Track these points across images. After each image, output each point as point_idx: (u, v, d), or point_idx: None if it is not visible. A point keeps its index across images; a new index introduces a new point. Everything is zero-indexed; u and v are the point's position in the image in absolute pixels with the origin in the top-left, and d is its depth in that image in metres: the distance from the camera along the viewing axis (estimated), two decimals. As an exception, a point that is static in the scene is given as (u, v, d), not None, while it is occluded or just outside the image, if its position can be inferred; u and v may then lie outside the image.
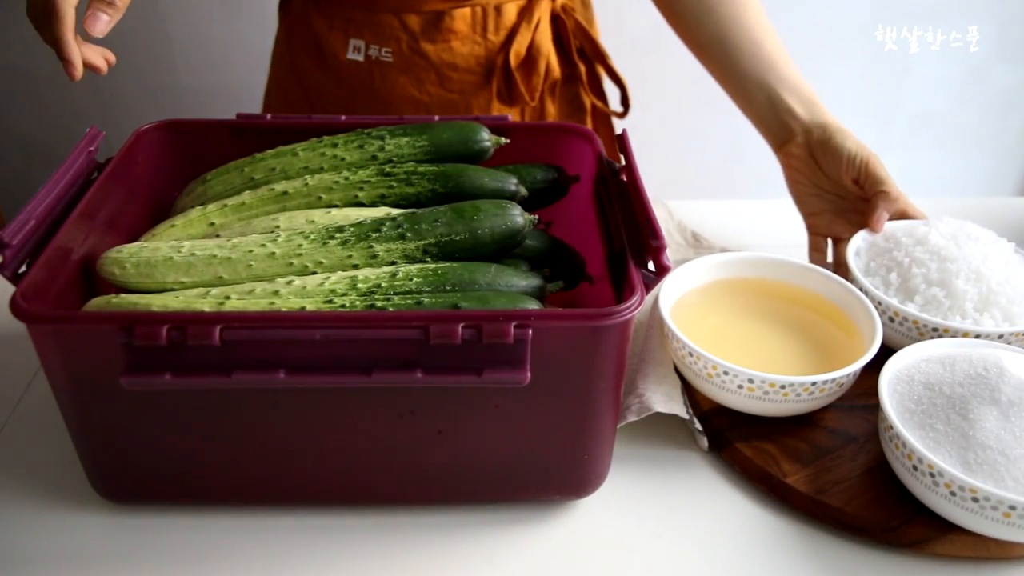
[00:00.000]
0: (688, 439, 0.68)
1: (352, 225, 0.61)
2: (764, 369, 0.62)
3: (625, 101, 1.00)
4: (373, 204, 0.66)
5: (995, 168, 2.04)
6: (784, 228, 0.97)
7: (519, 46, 0.94)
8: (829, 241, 0.84)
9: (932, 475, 0.55)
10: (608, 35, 1.01)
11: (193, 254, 0.59)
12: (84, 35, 0.65)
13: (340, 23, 0.94)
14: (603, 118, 1.06)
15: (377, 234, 0.60)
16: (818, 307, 0.73)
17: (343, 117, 0.73)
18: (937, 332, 0.69)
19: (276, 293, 0.56)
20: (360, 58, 0.93)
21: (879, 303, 0.71)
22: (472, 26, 0.93)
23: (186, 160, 0.73)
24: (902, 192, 0.80)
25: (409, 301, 0.55)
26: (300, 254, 0.59)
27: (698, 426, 0.66)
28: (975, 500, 0.54)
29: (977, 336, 0.68)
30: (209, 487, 0.60)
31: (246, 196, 0.67)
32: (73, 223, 0.59)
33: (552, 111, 1.00)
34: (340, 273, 0.58)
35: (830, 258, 0.84)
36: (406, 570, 0.57)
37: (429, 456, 0.57)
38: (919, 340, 0.69)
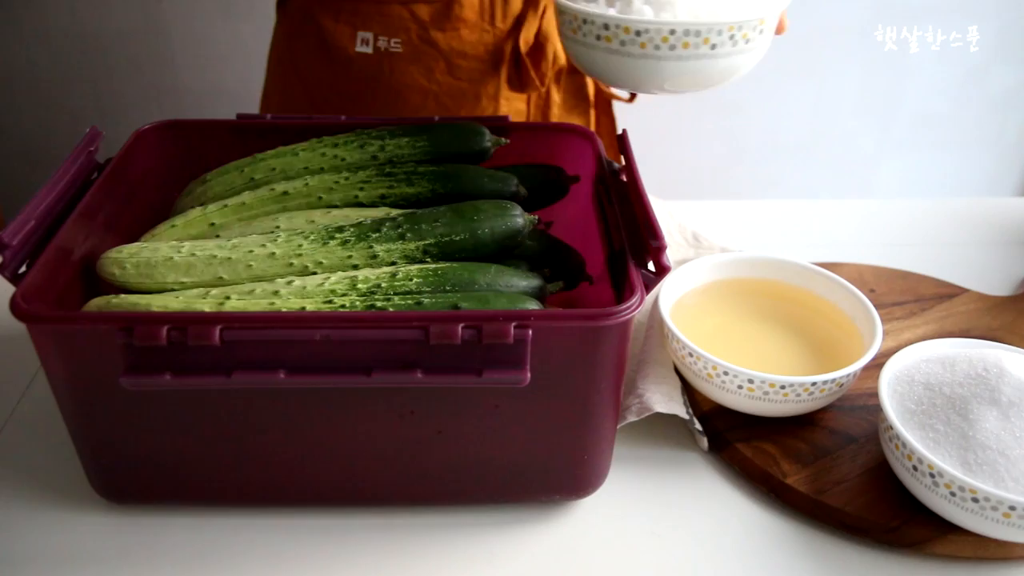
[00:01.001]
0: (688, 439, 0.68)
1: (352, 225, 0.61)
2: (764, 369, 0.62)
3: None
4: (373, 204, 0.66)
5: (995, 168, 2.04)
6: (784, 228, 0.98)
7: (527, 33, 0.95)
8: None
9: (932, 475, 0.55)
10: (608, 35, 1.02)
11: (193, 254, 0.59)
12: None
13: (347, 17, 0.94)
14: (605, 108, 1.07)
15: (377, 234, 0.60)
16: (818, 307, 0.73)
17: (343, 117, 0.73)
18: (599, 26, 0.59)
19: (276, 293, 0.56)
20: (369, 50, 0.94)
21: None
22: (480, 14, 0.94)
23: (186, 160, 0.73)
24: None
25: (409, 301, 0.55)
26: (300, 254, 0.59)
27: (698, 426, 0.66)
28: (975, 500, 0.54)
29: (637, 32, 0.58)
30: (209, 487, 0.60)
31: (246, 196, 0.67)
32: (73, 223, 0.59)
33: (557, 100, 1.01)
34: (340, 273, 0.58)
35: None
36: (406, 570, 0.57)
37: (429, 456, 0.57)
38: (583, 41, 0.61)
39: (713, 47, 0.57)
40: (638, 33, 0.58)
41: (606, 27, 0.58)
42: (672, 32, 0.56)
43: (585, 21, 0.60)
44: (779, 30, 0.69)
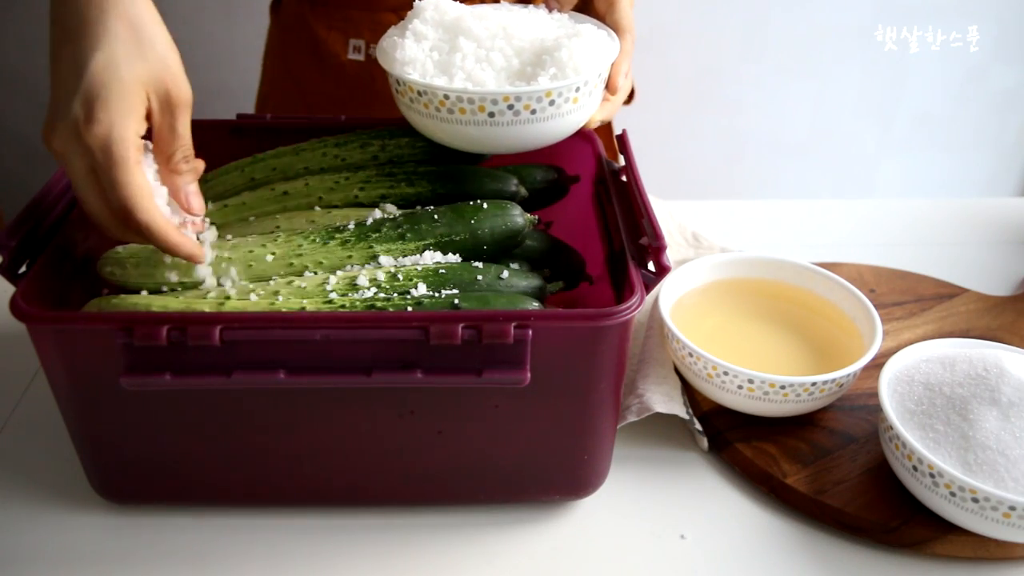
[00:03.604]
0: (688, 439, 0.68)
1: (352, 225, 0.61)
2: (764, 369, 0.62)
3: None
4: (373, 204, 0.66)
5: (995, 168, 2.04)
6: (784, 228, 0.98)
7: None
8: None
9: (932, 475, 0.55)
10: (608, 35, 1.01)
11: (193, 254, 0.59)
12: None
13: (339, 24, 0.94)
14: None
15: (377, 234, 0.60)
16: (818, 307, 0.73)
17: (343, 117, 0.73)
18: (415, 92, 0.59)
19: (276, 293, 0.56)
20: (361, 58, 0.94)
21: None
22: None
23: (186, 160, 0.73)
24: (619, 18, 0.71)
25: (409, 301, 0.55)
26: (300, 254, 0.59)
27: (698, 426, 0.66)
28: (975, 500, 0.54)
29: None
30: (209, 487, 0.60)
31: (246, 196, 0.67)
32: (73, 223, 0.59)
33: None
34: (340, 273, 0.58)
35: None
36: (406, 570, 0.57)
37: (429, 456, 0.57)
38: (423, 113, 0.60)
39: (491, 115, 0.59)
40: (420, 93, 0.59)
41: (420, 94, 0.60)
42: (447, 97, 0.58)
43: (400, 83, 0.61)
44: (611, 90, 0.65)
